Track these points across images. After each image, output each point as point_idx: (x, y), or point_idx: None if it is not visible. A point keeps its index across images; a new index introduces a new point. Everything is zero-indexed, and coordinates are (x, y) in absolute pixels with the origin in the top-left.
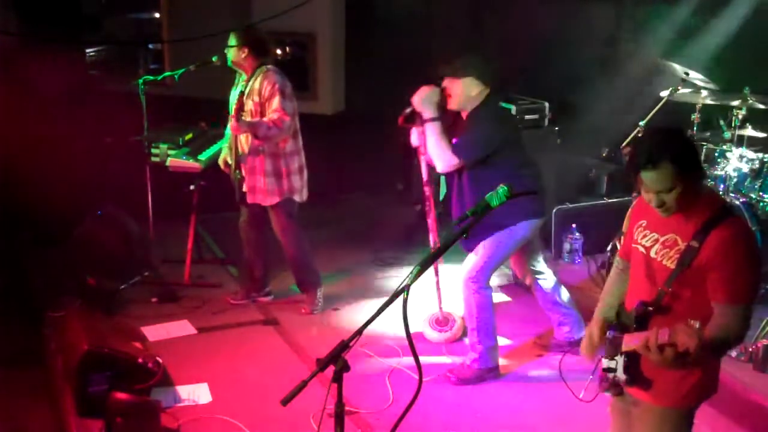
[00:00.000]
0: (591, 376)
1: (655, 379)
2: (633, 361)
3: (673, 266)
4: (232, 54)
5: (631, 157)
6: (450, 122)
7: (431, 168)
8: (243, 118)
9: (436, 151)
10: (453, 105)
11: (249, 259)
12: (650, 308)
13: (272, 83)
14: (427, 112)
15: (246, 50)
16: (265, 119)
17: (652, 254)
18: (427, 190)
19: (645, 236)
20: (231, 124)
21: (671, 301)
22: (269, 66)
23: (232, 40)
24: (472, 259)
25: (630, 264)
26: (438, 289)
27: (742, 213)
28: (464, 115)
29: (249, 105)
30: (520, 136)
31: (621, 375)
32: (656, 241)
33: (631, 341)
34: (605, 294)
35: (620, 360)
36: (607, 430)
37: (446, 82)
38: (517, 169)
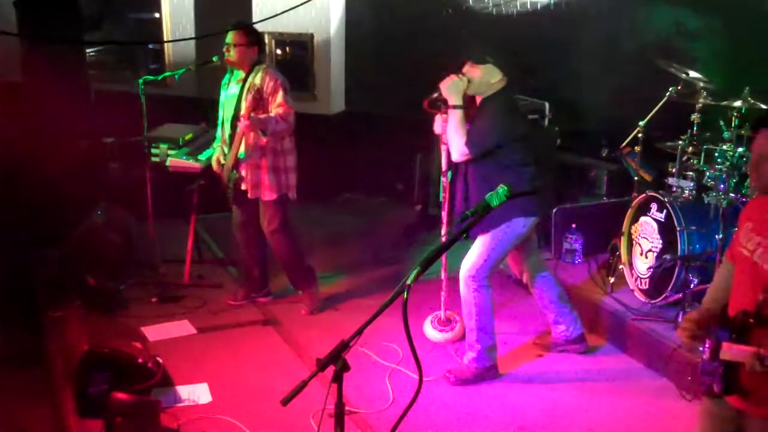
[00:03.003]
0: (689, 377)
1: (764, 390)
2: (730, 370)
3: None
4: (240, 52)
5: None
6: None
7: (448, 158)
8: (252, 115)
9: (453, 137)
10: (470, 90)
11: (246, 260)
12: (751, 319)
13: (274, 79)
14: (452, 99)
15: (256, 49)
16: (272, 114)
17: (755, 258)
18: (444, 180)
19: (750, 239)
20: (242, 123)
21: None
22: (266, 63)
23: (241, 39)
24: (471, 258)
25: (735, 267)
26: (443, 288)
27: None
28: (478, 100)
29: (249, 99)
30: (529, 133)
31: (717, 381)
32: (759, 244)
33: (729, 350)
34: (713, 288)
35: (717, 366)
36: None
37: (467, 68)
38: (518, 166)
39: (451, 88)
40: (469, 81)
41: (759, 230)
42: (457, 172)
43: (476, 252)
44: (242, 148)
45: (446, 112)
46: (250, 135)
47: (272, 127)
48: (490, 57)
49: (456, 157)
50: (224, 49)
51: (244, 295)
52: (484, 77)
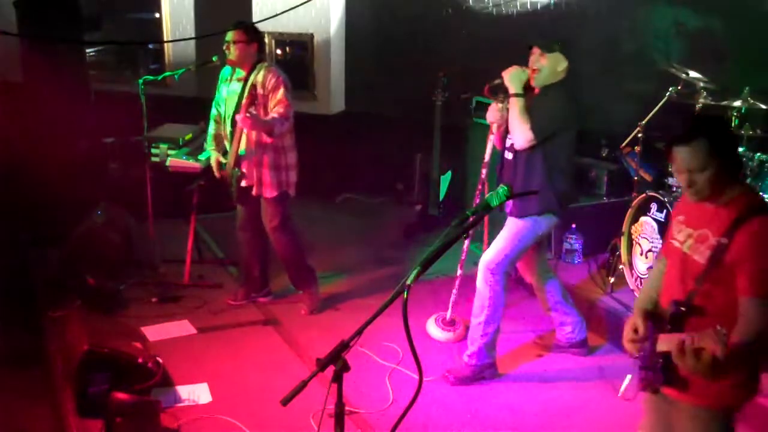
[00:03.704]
0: (630, 375)
1: (691, 379)
2: (669, 361)
3: (704, 262)
4: (240, 50)
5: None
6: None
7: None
8: (254, 113)
9: (516, 124)
10: (538, 81)
11: (247, 259)
12: (683, 308)
13: (276, 76)
14: (513, 87)
15: (255, 46)
16: (275, 115)
17: (686, 249)
18: (484, 172)
19: (681, 231)
20: (241, 118)
21: (704, 300)
22: (268, 62)
23: (240, 36)
24: (492, 252)
25: (668, 260)
26: (455, 290)
27: None
28: (536, 90)
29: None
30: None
31: (657, 374)
32: (690, 236)
33: (665, 342)
34: (647, 286)
35: (656, 359)
36: (639, 426)
37: (535, 57)
38: (563, 169)
39: (513, 78)
40: (535, 70)
41: (689, 223)
42: (504, 166)
43: (497, 247)
44: (243, 145)
45: (502, 101)
46: (251, 132)
47: (278, 129)
48: (558, 43)
49: (520, 144)
50: (224, 48)
51: (244, 295)
52: (551, 66)
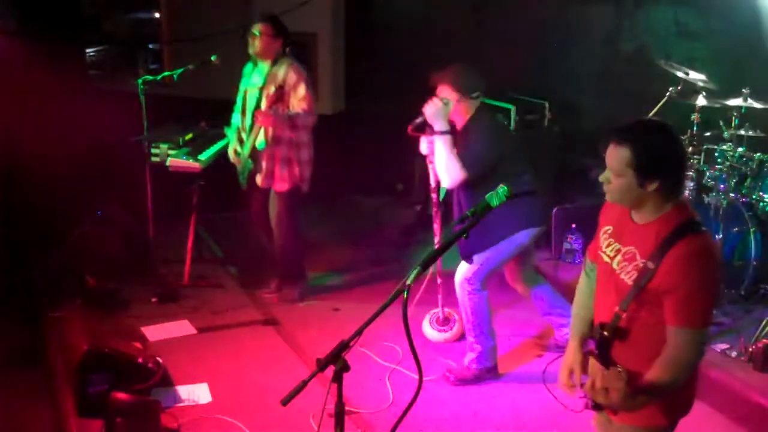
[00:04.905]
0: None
1: None
2: None
3: (630, 284)
4: (265, 43)
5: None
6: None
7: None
8: (275, 110)
9: (444, 166)
10: (451, 113)
11: (269, 246)
12: (605, 333)
13: (298, 72)
14: (438, 124)
15: (281, 41)
16: (299, 111)
17: (614, 266)
18: (434, 196)
19: (609, 245)
20: (262, 114)
21: (628, 323)
22: (291, 59)
23: (267, 29)
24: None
25: (597, 269)
26: (439, 288)
27: (743, 215)
28: (458, 127)
29: (271, 89)
30: (516, 146)
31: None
32: (618, 251)
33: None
34: (576, 307)
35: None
36: None
37: (440, 89)
38: (514, 179)
39: (437, 114)
40: (447, 104)
41: (617, 237)
42: (451, 189)
43: (475, 257)
44: (260, 138)
45: (431, 134)
46: (269, 127)
47: (301, 121)
48: (457, 74)
49: (449, 184)
50: (249, 39)
51: (278, 285)
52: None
